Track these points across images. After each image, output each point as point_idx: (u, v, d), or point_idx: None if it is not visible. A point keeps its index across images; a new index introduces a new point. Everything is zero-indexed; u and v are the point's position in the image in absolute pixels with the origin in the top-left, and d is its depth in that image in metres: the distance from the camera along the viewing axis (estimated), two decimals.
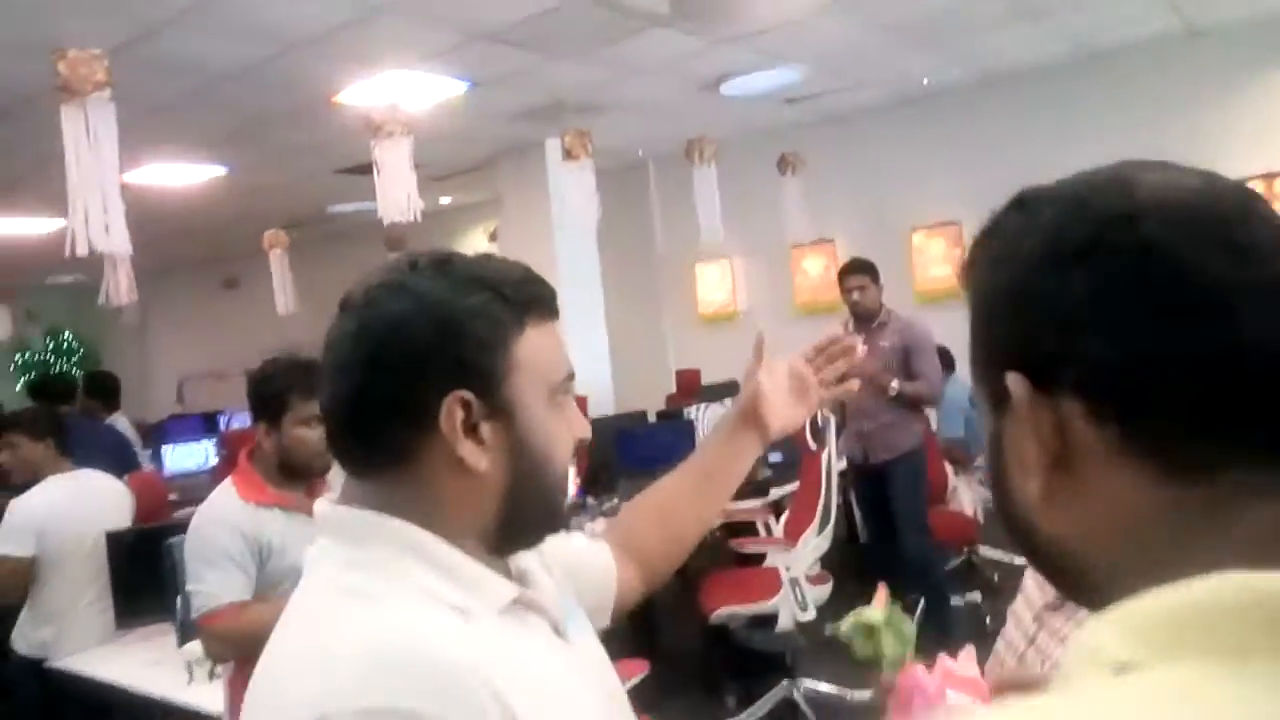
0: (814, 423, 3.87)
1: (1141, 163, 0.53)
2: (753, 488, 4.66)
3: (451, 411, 0.78)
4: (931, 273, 7.16)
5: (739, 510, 4.31)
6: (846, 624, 0.97)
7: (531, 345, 0.82)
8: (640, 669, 2.96)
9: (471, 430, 0.79)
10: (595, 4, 4.16)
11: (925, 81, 6.58)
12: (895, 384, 4.22)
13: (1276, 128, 5.84)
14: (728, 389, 6.42)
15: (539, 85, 5.32)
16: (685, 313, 8.41)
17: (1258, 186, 5.80)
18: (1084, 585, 0.52)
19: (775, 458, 5.35)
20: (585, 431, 0.90)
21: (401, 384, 0.79)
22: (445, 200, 9.24)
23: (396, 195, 4.62)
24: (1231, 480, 0.45)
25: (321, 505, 0.83)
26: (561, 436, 0.85)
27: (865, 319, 4.36)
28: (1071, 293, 0.48)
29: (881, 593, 0.99)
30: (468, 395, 0.78)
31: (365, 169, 5.08)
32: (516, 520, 0.84)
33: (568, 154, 5.25)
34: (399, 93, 4.90)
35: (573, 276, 6.91)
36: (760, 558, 4.09)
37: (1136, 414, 0.47)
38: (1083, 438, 0.48)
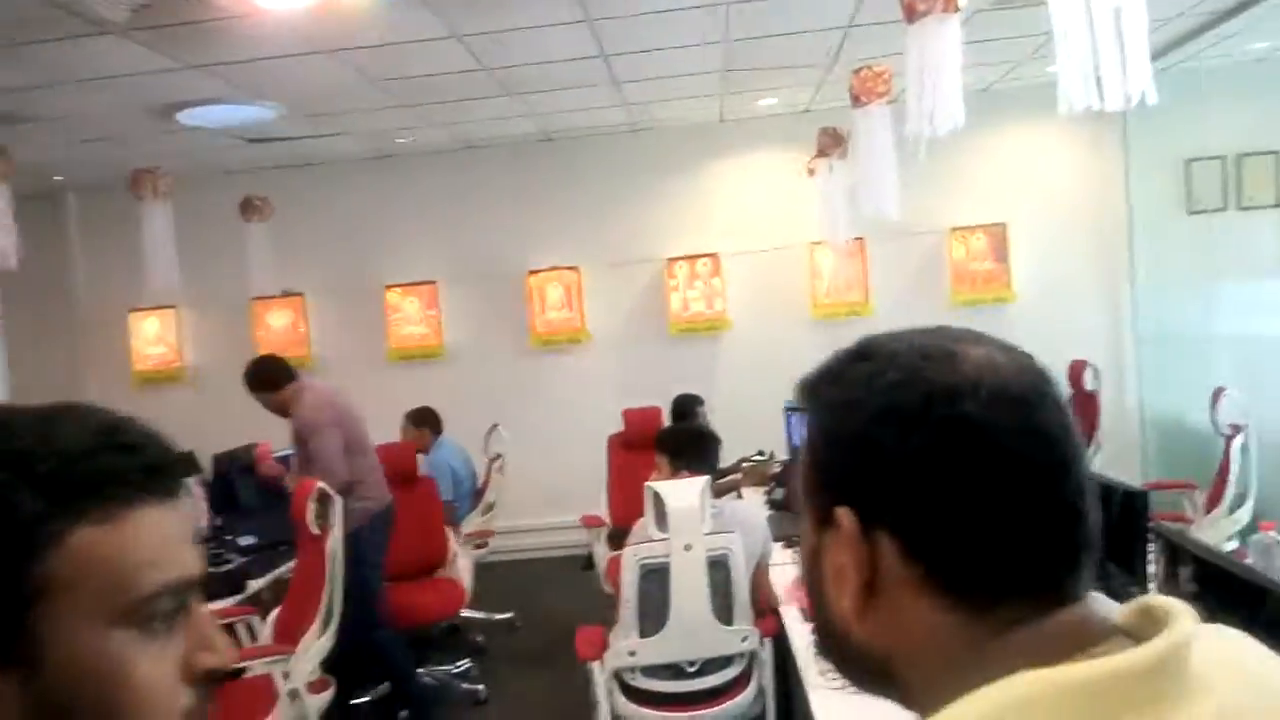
0: (323, 496, 3.43)
1: (966, 333, 0.64)
2: (223, 580, 4.00)
3: None
4: (405, 330, 7.06)
5: (212, 613, 3.64)
6: None
7: (87, 552, 0.58)
8: None
9: None
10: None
11: (399, 140, 6.50)
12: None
13: (708, 215, 6.86)
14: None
15: None
16: (117, 370, 7.14)
17: (684, 267, 6.78)
18: (891, 685, 0.62)
19: (248, 540, 4.68)
20: (218, 659, 0.64)
21: None
22: None
23: None
24: (1007, 609, 0.57)
25: None
26: (151, 681, 0.59)
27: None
28: (905, 450, 0.58)
29: None
30: None
31: None
32: None
33: None
34: None
35: None
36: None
37: (941, 558, 0.58)
38: (895, 570, 0.60)
